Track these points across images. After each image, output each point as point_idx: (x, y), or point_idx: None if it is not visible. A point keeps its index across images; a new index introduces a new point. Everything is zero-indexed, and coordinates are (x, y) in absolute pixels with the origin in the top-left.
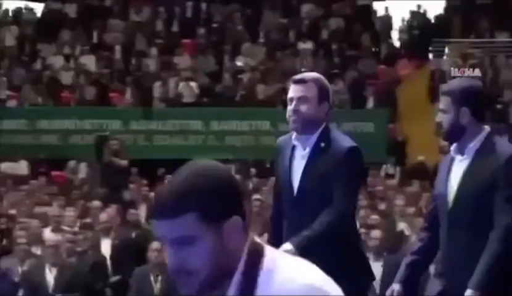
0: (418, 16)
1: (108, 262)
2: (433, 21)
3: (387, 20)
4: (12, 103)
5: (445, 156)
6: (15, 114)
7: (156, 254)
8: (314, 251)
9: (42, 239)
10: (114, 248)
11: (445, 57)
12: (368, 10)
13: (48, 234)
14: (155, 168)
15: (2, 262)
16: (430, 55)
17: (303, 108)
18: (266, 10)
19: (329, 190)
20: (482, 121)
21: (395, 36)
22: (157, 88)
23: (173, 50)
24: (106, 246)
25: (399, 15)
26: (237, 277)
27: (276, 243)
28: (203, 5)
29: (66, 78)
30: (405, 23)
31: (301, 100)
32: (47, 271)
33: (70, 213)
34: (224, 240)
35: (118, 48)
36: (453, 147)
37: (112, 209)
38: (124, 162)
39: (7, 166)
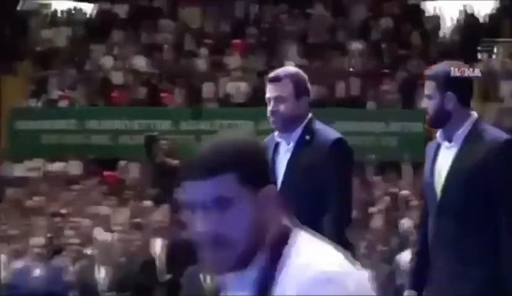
0: (467, 16)
1: (159, 262)
2: (482, 20)
3: (436, 20)
4: (63, 104)
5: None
6: (66, 114)
7: None
8: None
9: (93, 239)
10: (165, 248)
11: (494, 57)
12: (418, 10)
13: (99, 233)
14: None
15: (54, 261)
16: (479, 55)
17: (281, 108)
18: (315, 9)
19: (313, 184)
20: (468, 106)
21: (444, 35)
22: (207, 88)
23: (223, 50)
24: (157, 246)
25: (448, 15)
26: (259, 257)
27: None
28: (254, 5)
29: (117, 78)
30: (454, 22)
31: (277, 100)
32: (98, 270)
33: (121, 212)
34: (259, 210)
35: (168, 48)
36: (439, 133)
37: (164, 209)
38: (175, 162)
39: (59, 166)
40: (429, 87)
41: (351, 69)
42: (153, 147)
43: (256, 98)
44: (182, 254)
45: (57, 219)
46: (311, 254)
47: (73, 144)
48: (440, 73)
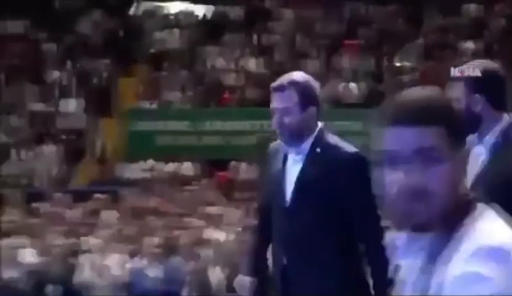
0: None
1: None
2: None
3: None
4: (176, 105)
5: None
6: (179, 115)
7: None
8: None
9: (207, 239)
10: None
11: None
12: None
13: (213, 234)
14: None
15: (169, 261)
16: None
17: (287, 120)
18: (426, 9)
19: (325, 201)
20: (501, 109)
21: None
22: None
23: (335, 51)
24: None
25: None
26: (438, 223)
27: (260, 256)
28: (364, 6)
29: (229, 79)
30: None
31: (283, 111)
32: (211, 270)
33: (234, 213)
34: (457, 171)
35: (280, 49)
36: (473, 138)
37: None
38: None
39: (173, 167)
40: (456, 89)
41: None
42: (265, 148)
43: (368, 99)
44: None
45: (171, 219)
46: (491, 226)
47: (187, 145)
48: (467, 74)
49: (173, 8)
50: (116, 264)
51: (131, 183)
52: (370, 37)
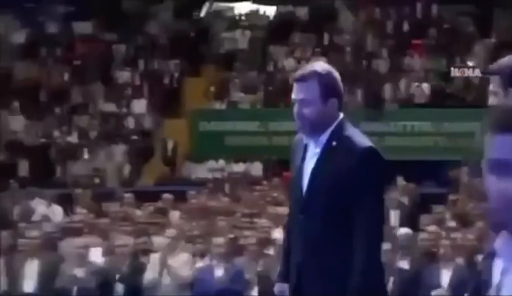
0: None
1: None
2: None
3: None
4: (245, 106)
5: None
6: (248, 116)
7: (387, 256)
8: None
9: (274, 240)
10: None
11: None
12: None
13: (280, 234)
14: None
15: (235, 261)
16: None
17: (306, 111)
18: (497, 9)
19: (339, 193)
20: None
21: None
22: (388, 89)
23: (404, 51)
24: None
25: None
26: None
27: (287, 247)
28: (434, 6)
29: None
30: None
31: (303, 102)
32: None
33: None
34: None
35: (348, 49)
36: None
37: None
38: None
39: (242, 167)
40: (493, 83)
41: None
42: None
43: (437, 100)
44: None
45: (239, 219)
46: None
47: (255, 145)
48: (505, 66)
49: (242, 8)
50: (183, 264)
51: (199, 183)
52: (439, 37)
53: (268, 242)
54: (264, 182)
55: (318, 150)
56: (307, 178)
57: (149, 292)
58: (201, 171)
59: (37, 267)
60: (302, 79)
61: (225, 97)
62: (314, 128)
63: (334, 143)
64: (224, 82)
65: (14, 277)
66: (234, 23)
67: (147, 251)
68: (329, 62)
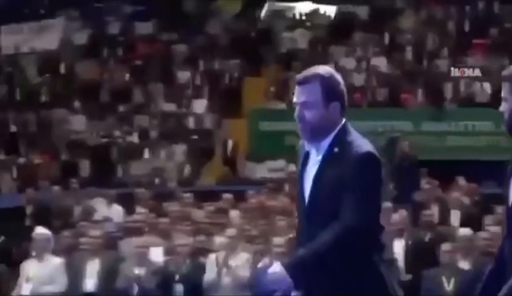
0: None
1: (399, 262)
2: None
3: None
4: None
5: None
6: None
7: (448, 256)
8: (317, 272)
9: None
10: (406, 249)
11: None
12: None
13: None
14: (446, 168)
15: None
16: None
17: (308, 115)
18: None
19: (341, 202)
20: None
21: None
22: (449, 88)
23: (465, 50)
24: (397, 247)
25: None
26: None
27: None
28: (496, 5)
29: (358, 79)
30: None
31: (304, 105)
32: None
33: None
34: None
35: (409, 49)
36: None
37: (404, 211)
38: (415, 163)
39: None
40: (504, 88)
41: None
42: (394, 148)
43: (498, 99)
44: (423, 255)
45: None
46: None
47: None
48: None
49: (302, 8)
50: (243, 264)
51: (259, 183)
52: (500, 36)
53: None
54: None
55: (320, 157)
56: (309, 186)
57: (209, 292)
58: (261, 170)
59: (97, 266)
60: (304, 81)
61: (285, 96)
62: (316, 132)
63: (336, 149)
64: (284, 82)
65: (75, 276)
66: (295, 22)
67: (206, 251)
68: (390, 62)
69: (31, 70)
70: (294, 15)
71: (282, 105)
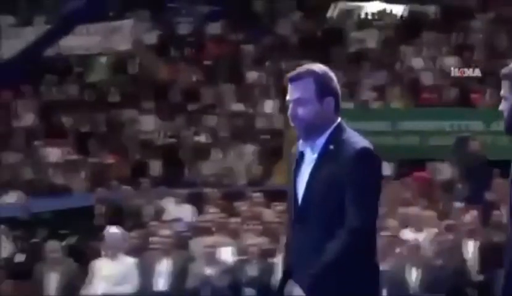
0: None
1: (472, 263)
2: None
3: None
4: (374, 105)
5: None
6: (378, 115)
7: None
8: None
9: (402, 240)
10: (478, 249)
11: None
12: None
13: (409, 234)
14: None
15: None
16: None
17: (301, 112)
18: None
19: (336, 201)
20: None
21: None
22: None
23: None
24: (469, 247)
25: None
26: None
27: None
28: None
29: (427, 79)
30: None
31: (297, 102)
32: (409, 271)
33: (432, 213)
34: None
35: (479, 48)
36: None
37: (475, 211)
38: (486, 163)
39: None
40: (504, 87)
41: None
42: (464, 148)
43: None
44: (495, 256)
45: None
46: None
47: (385, 145)
48: None
49: (371, 8)
50: None
51: None
52: None
53: (397, 242)
54: (393, 182)
55: (315, 155)
56: (303, 186)
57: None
58: None
59: (168, 266)
60: (297, 78)
61: (354, 96)
62: (310, 130)
63: (332, 146)
64: (353, 81)
65: (146, 275)
66: (363, 22)
67: (276, 252)
68: (460, 61)
69: (101, 71)
70: (363, 14)
71: (350, 105)
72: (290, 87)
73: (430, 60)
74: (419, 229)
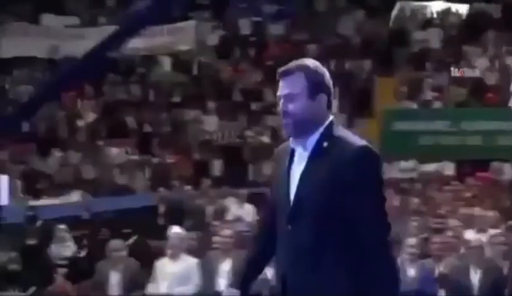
0: None
1: None
2: None
3: None
4: (436, 105)
5: None
6: (439, 115)
7: None
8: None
9: (465, 240)
10: None
11: None
12: None
13: (471, 235)
14: None
15: (425, 261)
16: None
17: (292, 108)
18: None
19: (331, 199)
20: None
21: None
22: None
23: None
24: None
25: None
26: None
27: (254, 264)
28: None
29: (491, 78)
30: None
31: (288, 98)
32: (472, 272)
33: (495, 214)
34: None
35: None
36: None
37: None
38: None
39: (433, 167)
40: None
41: None
42: None
43: None
44: None
45: (429, 220)
46: None
47: (447, 145)
48: None
49: (434, 7)
50: None
51: (390, 183)
52: None
53: (459, 243)
54: (456, 183)
55: (307, 153)
56: (295, 185)
57: None
58: (391, 170)
59: (230, 266)
60: (288, 72)
61: (417, 96)
62: (301, 127)
63: (325, 144)
64: (417, 81)
65: (209, 275)
66: (427, 22)
67: None
68: None
69: (164, 71)
70: (426, 14)
71: (413, 105)
72: (280, 82)
73: (493, 59)
74: (482, 230)
